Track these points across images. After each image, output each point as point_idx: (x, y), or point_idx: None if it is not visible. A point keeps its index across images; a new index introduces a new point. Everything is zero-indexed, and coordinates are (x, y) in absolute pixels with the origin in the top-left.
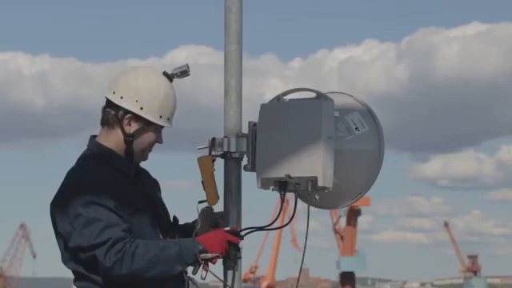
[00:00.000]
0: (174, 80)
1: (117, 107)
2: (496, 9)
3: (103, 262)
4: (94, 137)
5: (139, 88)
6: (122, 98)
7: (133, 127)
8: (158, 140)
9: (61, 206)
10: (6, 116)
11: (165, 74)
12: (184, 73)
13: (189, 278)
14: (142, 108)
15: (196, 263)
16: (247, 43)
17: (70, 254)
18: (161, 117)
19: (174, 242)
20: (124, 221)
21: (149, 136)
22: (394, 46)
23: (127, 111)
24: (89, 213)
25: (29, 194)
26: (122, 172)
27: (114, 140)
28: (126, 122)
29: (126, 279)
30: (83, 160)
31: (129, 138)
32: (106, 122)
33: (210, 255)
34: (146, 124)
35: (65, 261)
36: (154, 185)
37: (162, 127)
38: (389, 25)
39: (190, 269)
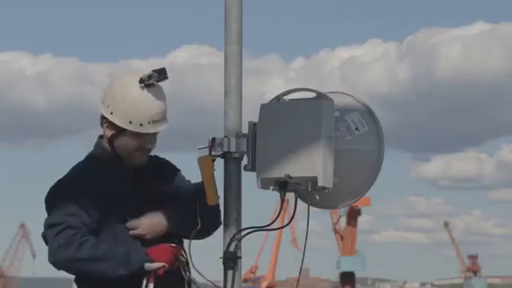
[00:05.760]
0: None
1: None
2: (500, 9)
3: (51, 242)
4: (101, 137)
5: (111, 93)
6: (102, 102)
7: (110, 132)
8: (144, 145)
9: (47, 194)
10: (7, 116)
11: (140, 79)
12: (150, 78)
13: (189, 277)
14: (111, 113)
15: (142, 270)
16: (249, 43)
17: None
18: (131, 122)
19: (123, 244)
20: (91, 219)
21: (125, 140)
22: (397, 45)
23: (103, 115)
24: (60, 203)
25: (29, 194)
26: (116, 172)
27: (106, 141)
28: (104, 125)
29: (68, 266)
30: (84, 158)
31: (110, 142)
32: (100, 124)
33: (155, 265)
34: (120, 129)
35: None
36: (161, 182)
37: (143, 134)
38: (392, 25)
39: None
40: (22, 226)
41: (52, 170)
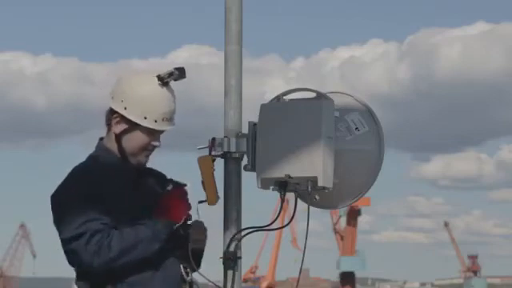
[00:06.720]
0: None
1: (111, 108)
2: (500, 9)
3: (82, 253)
4: (101, 139)
5: (125, 88)
6: (112, 98)
7: (120, 127)
8: (154, 143)
9: (53, 200)
10: (7, 116)
11: (157, 76)
12: (170, 75)
13: (190, 279)
14: (125, 108)
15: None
16: (249, 43)
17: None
18: (145, 118)
19: (146, 225)
20: (107, 218)
21: (137, 136)
22: (397, 45)
23: (115, 111)
24: (72, 207)
25: (29, 194)
26: (118, 172)
27: (112, 140)
28: (114, 121)
29: (106, 268)
30: (85, 159)
31: (118, 138)
32: (106, 122)
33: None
34: (133, 125)
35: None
36: (163, 184)
37: (156, 130)
38: (393, 25)
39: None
40: (22, 226)
41: (51, 170)
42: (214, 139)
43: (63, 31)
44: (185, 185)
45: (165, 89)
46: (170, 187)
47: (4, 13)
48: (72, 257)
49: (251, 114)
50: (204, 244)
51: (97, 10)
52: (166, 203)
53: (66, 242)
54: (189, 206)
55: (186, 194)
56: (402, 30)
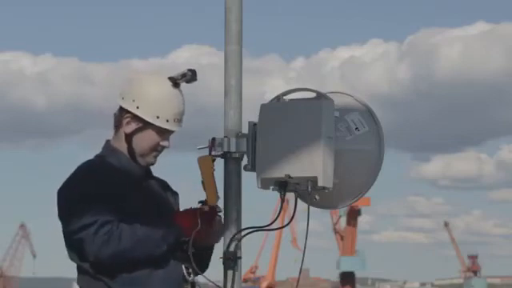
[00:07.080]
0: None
1: (121, 108)
2: (500, 9)
3: (91, 243)
4: (108, 141)
5: (137, 88)
6: (123, 98)
7: (131, 127)
8: (163, 143)
9: (59, 195)
10: (7, 116)
11: (170, 77)
12: (183, 76)
13: (192, 279)
14: (138, 107)
15: (181, 240)
16: (249, 43)
17: (67, 242)
18: (158, 117)
19: (157, 225)
20: (117, 212)
21: (148, 136)
22: (397, 45)
23: (126, 111)
24: (80, 202)
25: (29, 194)
26: (125, 172)
27: (121, 140)
28: (125, 121)
29: (113, 260)
30: (93, 157)
31: (129, 138)
32: (114, 123)
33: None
34: (144, 124)
35: (67, 251)
36: (166, 190)
37: (167, 130)
38: (393, 25)
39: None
40: (22, 226)
41: (51, 170)
42: (213, 139)
43: (63, 31)
44: (219, 210)
45: (177, 90)
46: (206, 208)
47: (4, 13)
48: (78, 247)
49: (251, 114)
50: (218, 237)
51: (97, 10)
52: (187, 214)
53: (73, 233)
54: (213, 232)
55: (215, 214)
56: (401, 29)
